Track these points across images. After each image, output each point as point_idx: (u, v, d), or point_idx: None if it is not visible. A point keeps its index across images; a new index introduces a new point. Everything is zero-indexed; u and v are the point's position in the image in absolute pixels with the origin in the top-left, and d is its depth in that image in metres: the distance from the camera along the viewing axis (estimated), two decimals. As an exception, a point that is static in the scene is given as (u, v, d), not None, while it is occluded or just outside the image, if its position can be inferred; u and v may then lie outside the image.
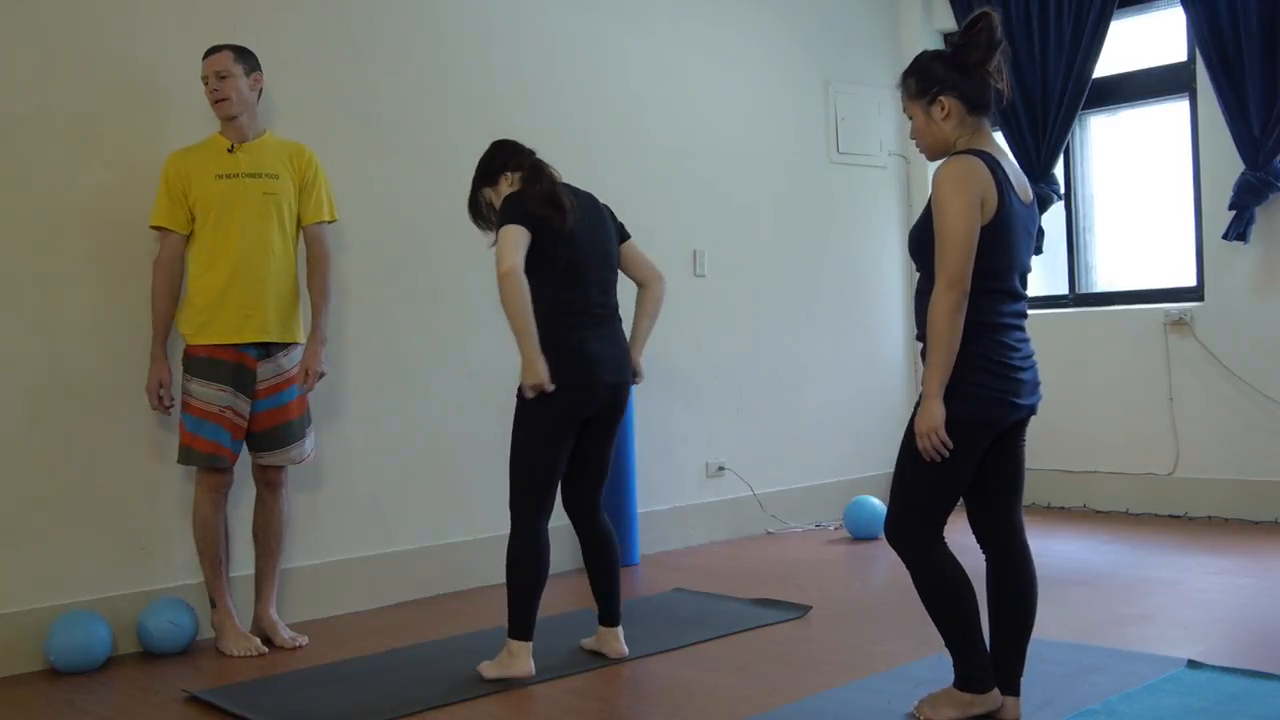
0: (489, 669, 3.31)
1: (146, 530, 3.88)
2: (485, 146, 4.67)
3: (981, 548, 2.87)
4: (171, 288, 3.71)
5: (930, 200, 2.66)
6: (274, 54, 4.13)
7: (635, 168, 5.25)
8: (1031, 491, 6.02)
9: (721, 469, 5.54)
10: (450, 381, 4.61)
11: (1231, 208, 5.27)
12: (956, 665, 2.80)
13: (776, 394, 5.79)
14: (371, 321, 4.42)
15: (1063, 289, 6.12)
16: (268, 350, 3.78)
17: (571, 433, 3.37)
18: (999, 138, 6.00)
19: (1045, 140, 5.89)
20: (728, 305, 5.59)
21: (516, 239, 3.27)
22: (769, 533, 5.64)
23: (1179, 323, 5.57)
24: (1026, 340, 2.76)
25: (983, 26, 2.68)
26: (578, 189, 3.50)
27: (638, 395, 5.06)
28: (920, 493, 2.72)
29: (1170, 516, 5.58)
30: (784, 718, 2.93)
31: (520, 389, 3.29)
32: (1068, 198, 6.05)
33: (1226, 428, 5.45)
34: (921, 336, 2.69)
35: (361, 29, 4.43)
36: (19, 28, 3.69)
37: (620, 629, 3.57)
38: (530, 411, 3.32)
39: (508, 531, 3.36)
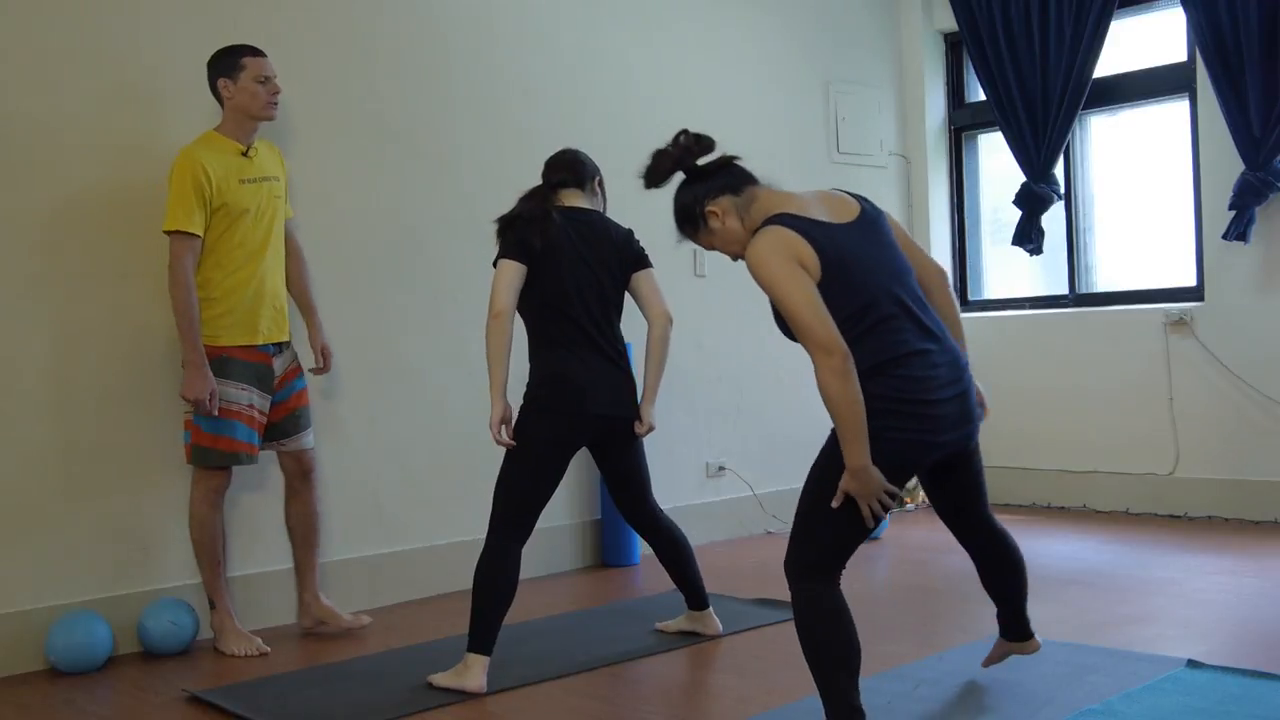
0: (441, 679, 3.27)
1: (146, 530, 3.87)
2: (486, 146, 4.72)
3: (964, 547, 2.96)
4: (195, 294, 3.63)
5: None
6: (274, 54, 4.13)
7: (636, 168, 5.23)
8: (1031, 491, 6.03)
9: (721, 469, 5.54)
10: (450, 381, 4.60)
11: (1231, 208, 5.27)
12: (825, 710, 2.57)
13: (776, 394, 5.79)
14: (371, 321, 4.42)
15: (1063, 289, 6.12)
16: (280, 346, 3.87)
17: (556, 458, 3.38)
18: (999, 138, 6.12)
19: (1045, 140, 5.89)
20: (728, 305, 5.59)
21: (511, 278, 3.34)
22: (769, 533, 5.64)
23: (1179, 323, 5.56)
24: (945, 364, 2.53)
25: (677, 141, 2.71)
26: (586, 212, 3.52)
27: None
28: (821, 533, 2.55)
29: (1170, 516, 5.58)
30: (784, 718, 2.93)
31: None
32: (1068, 198, 6.05)
33: (1226, 428, 5.45)
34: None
35: (362, 29, 4.43)
36: (22, 28, 3.69)
37: (711, 609, 3.76)
38: (519, 432, 3.37)
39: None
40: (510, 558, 3.32)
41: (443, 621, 4.05)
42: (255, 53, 3.76)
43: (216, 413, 3.64)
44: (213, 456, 3.70)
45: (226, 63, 3.74)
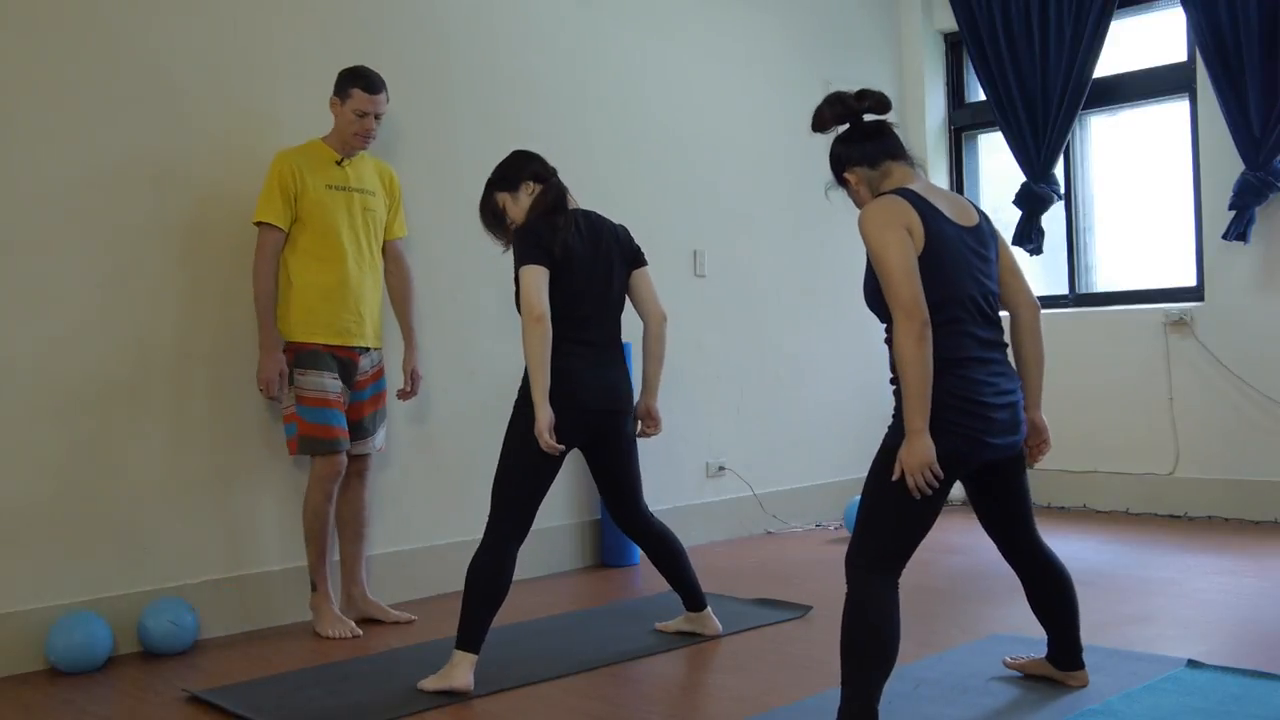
0: (429, 683, 3.24)
1: (147, 530, 3.87)
2: (485, 146, 4.68)
3: (1012, 567, 3.02)
4: (274, 283, 3.85)
5: (867, 250, 2.64)
6: (275, 56, 4.14)
7: (635, 168, 5.25)
8: (1032, 491, 6.01)
9: (721, 469, 5.54)
10: (450, 381, 4.61)
11: (1231, 208, 5.27)
12: (841, 702, 2.56)
13: (776, 394, 5.79)
14: (371, 321, 4.42)
15: (1063, 289, 6.12)
16: (365, 349, 4.03)
17: (552, 456, 3.35)
18: (999, 138, 6.12)
19: (1045, 140, 5.89)
20: (728, 305, 5.59)
21: (541, 282, 3.29)
22: (769, 533, 5.64)
23: (1179, 323, 5.57)
24: (1003, 375, 2.72)
25: (857, 96, 2.77)
26: (588, 212, 3.52)
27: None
28: (882, 523, 2.63)
29: (1170, 516, 5.58)
30: (784, 718, 2.93)
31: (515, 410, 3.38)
32: (1068, 198, 6.06)
33: (1226, 428, 5.45)
34: (894, 380, 2.64)
35: (363, 30, 4.43)
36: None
37: (709, 609, 3.75)
38: (514, 430, 3.36)
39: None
40: (508, 557, 3.31)
41: (442, 622, 4.04)
42: (367, 88, 3.92)
43: (279, 397, 3.87)
44: (320, 444, 3.85)
45: (343, 85, 3.95)
